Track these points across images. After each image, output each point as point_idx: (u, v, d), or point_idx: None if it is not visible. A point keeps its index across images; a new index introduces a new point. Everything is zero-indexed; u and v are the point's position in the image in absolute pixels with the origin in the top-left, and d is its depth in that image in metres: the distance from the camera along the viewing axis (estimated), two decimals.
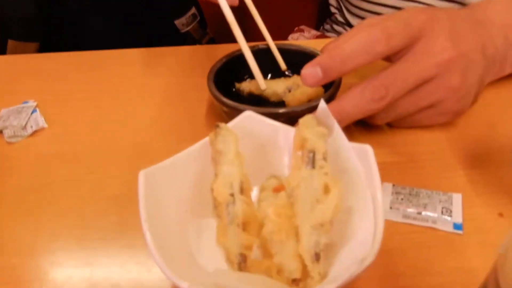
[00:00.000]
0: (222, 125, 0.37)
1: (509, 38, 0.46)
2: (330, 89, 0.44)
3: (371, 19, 0.44)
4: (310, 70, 0.40)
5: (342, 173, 0.35)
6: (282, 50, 0.51)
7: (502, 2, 0.47)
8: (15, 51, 0.96)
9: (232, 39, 0.48)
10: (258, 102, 0.49)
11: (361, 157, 0.34)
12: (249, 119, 0.39)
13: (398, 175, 0.42)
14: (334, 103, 0.41)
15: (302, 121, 0.36)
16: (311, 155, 0.34)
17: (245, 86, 0.50)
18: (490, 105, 0.48)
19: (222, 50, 0.53)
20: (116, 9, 0.95)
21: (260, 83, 0.47)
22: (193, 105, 0.53)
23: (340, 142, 0.35)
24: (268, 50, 0.50)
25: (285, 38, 1.02)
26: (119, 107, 0.54)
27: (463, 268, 0.34)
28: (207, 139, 0.38)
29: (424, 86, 0.42)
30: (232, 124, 0.38)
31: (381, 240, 0.28)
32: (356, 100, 0.41)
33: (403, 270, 0.34)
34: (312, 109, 0.42)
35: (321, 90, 0.47)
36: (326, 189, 0.32)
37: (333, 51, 0.40)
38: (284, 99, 0.48)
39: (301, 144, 0.35)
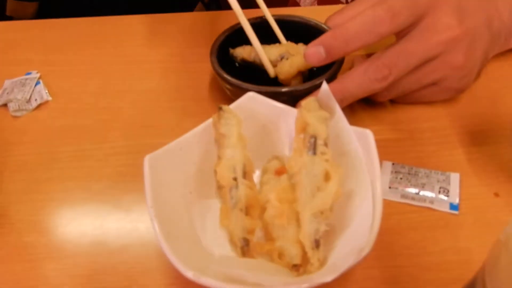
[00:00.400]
0: (225, 107, 0.37)
1: None
2: (331, 69, 0.43)
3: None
4: (314, 49, 0.40)
5: (343, 156, 0.35)
6: (285, 22, 0.50)
7: None
8: (15, 13, 0.94)
9: None
10: (251, 68, 0.48)
11: (361, 141, 0.35)
12: (252, 100, 0.39)
13: (398, 153, 0.43)
14: (336, 83, 0.41)
15: (304, 103, 0.37)
16: (312, 140, 0.34)
17: (239, 52, 0.49)
18: (493, 81, 0.48)
19: (225, 18, 0.53)
20: None
21: (269, 71, 0.46)
22: (197, 77, 0.52)
23: (342, 124, 0.36)
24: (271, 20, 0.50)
25: None
26: (122, 79, 0.54)
27: (458, 248, 0.36)
28: (210, 120, 0.38)
29: (428, 64, 0.41)
30: (235, 105, 0.39)
31: (378, 229, 0.29)
32: (359, 79, 0.41)
33: (400, 250, 0.36)
34: (315, 88, 0.42)
35: None
36: (327, 176, 0.32)
37: (337, 30, 0.40)
38: (276, 69, 0.47)
39: (303, 127, 0.36)
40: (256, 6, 0.51)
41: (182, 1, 1.02)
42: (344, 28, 0.39)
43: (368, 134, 0.34)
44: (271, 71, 0.46)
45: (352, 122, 0.44)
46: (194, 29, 0.60)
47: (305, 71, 0.46)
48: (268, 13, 0.49)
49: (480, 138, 0.44)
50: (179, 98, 0.51)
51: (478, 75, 0.46)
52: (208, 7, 1.10)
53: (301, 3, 1.00)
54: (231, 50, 0.49)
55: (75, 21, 0.63)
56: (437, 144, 0.43)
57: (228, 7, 0.48)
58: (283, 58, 0.46)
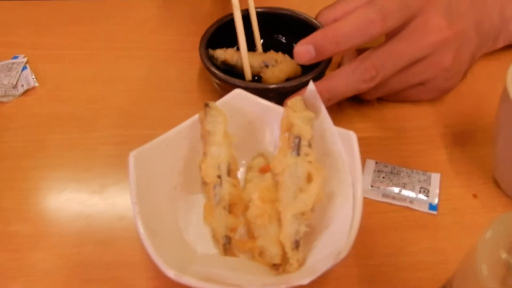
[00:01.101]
0: (211, 104, 0.38)
1: (505, 12, 0.46)
2: (319, 67, 0.44)
3: None
4: (304, 48, 0.40)
5: (326, 156, 0.36)
6: (274, 15, 0.50)
7: None
8: None
9: None
10: (231, 72, 0.48)
11: (345, 142, 0.35)
12: (239, 97, 0.39)
13: (382, 151, 0.43)
14: (324, 81, 0.42)
15: (290, 103, 0.37)
16: (296, 140, 0.35)
17: (219, 54, 0.48)
18: (479, 82, 0.48)
19: (218, 4, 0.52)
20: None
21: (247, 74, 0.46)
22: (187, 67, 0.52)
23: (326, 125, 0.36)
24: (259, 14, 0.49)
25: None
26: (111, 66, 0.54)
27: (435, 248, 0.37)
28: (197, 116, 0.38)
29: (416, 65, 0.42)
30: (221, 101, 0.39)
31: (356, 232, 0.30)
32: (347, 79, 0.41)
33: (378, 249, 0.37)
34: (302, 85, 0.42)
35: (299, 69, 0.46)
36: (309, 178, 0.33)
37: (328, 30, 0.40)
38: (261, 74, 0.47)
39: (288, 127, 0.36)
40: None
41: None
42: (335, 28, 0.39)
43: (351, 136, 0.35)
44: (248, 74, 0.46)
45: (338, 119, 0.45)
46: (187, 16, 0.59)
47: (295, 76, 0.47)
48: (253, 9, 0.49)
49: (463, 138, 0.44)
50: (169, 88, 0.51)
51: (464, 75, 0.46)
52: None
53: None
54: (211, 51, 0.48)
55: (66, 3, 0.62)
56: (421, 144, 0.44)
57: None
58: (268, 65, 0.46)
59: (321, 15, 0.47)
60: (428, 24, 0.40)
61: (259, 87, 0.43)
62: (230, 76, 0.44)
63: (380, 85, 0.42)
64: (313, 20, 0.48)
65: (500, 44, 0.48)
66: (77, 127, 0.47)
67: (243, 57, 0.46)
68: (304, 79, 0.43)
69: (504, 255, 0.20)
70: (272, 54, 0.48)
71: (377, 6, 0.39)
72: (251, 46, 0.48)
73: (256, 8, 0.49)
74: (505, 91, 0.35)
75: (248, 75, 0.46)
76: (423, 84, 0.44)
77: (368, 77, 0.40)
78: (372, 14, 0.38)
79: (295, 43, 0.50)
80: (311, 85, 0.38)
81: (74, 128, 0.47)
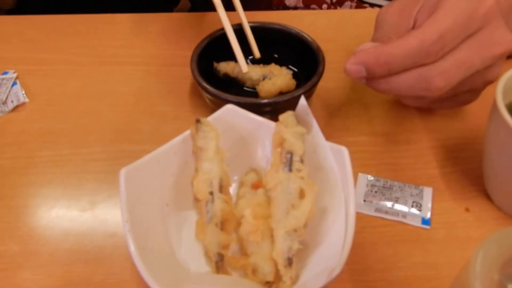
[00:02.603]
0: (203, 120, 0.38)
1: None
2: (310, 81, 0.44)
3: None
4: (356, 67, 0.38)
5: (318, 171, 0.36)
6: (266, 29, 0.50)
7: None
8: None
9: None
10: (233, 83, 0.49)
11: (337, 157, 0.35)
12: (231, 113, 0.39)
13: (375, 165, 0.43)
14: (385, 81, 0.38)
15: (282, 118, 0.37)
16: (288, 156, 0.35)
17: (222, 66, 0.49)
18: None
19: (208, 20, 0.52)
20: None
21: (242, 66, 0.47)
22: (178, 82, 0.52)
23: (318, 140, 0.36)
24: (253, 28, 0.50)
25: None
26: (101, 81, 0.53)
27: (428, 263, 0.37)
28: (188, 132, 0.38)
29: (477, 74, 0.39)
30: (213, 117, 0.39)
31: (349, 250, 0.30)
32: (410, 82, 0.38)
33: (371, 264, 0.37)
34: (294, 100, 0.42)
35: (293, 83, 0.47)
36: (302, 194, 0.33)
37: (382, 55, 0.37)
38: (256, 87, 0.47)
39: (280, 142, 0.36)
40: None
41: None
42: (390, 55, 0.37)
43: (343, 151, 0.35)
44: (244, 65, 0.46)
45: (331, 133, 0.45)
46: (177, 31, 0.59)
47: (289, 90, 0.47)
48: (246, 23, 0.49)
49: (455, 152, 0.44)
50: (159, 103, 0.51)
51: None
52: (192, 1, 1.09)
53: (286, 1, 1.00)
54: (215, 64, 0.50)
55: (55, 18, 0.62)
56: (413, 157, 0.44)
57: (213, 7, 0.48)
58: (266, 77, 0.47)
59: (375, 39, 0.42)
60: (494, 35, 0.38)
61: (250, 101, 0.43)
62: (222, 90, 0.44)
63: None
64: (304, 34, 0.48)
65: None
66: (67, 143, 0.47)
67: (234, 49, 0.46)
68: (295, 93, 0.43)
69: (496, 276, 0.20)
70: (271, 67, 0.48)
71: (437, 31, 0.36)
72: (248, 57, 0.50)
73: (249, 22, 0.50)
74: (494, 105, 0.35)
75: (243, 66, 0.46)
76: (471, 92, 0.42)
77: (434, 87, 0.37)
78: (431, 43, 0.36)
79: (287, 56, 0.51)
80: (303, 100, 0.38)
81: (64, 144, 0.47)
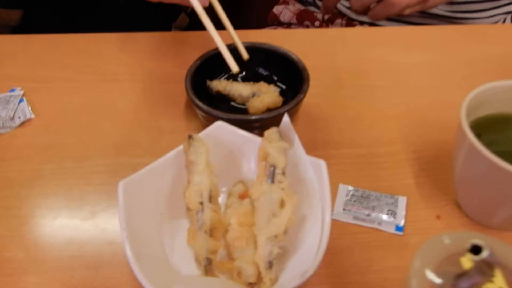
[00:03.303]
0: (195, 136, 0.41)
1: None
2: (294, 99, 0.47)
3: None
4: None
5: (299, 182, 0.40)
6: (257, 49, 0.54)
7: None
8: None
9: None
10: (225, 100, 0.53)
11: (316, 170, 0.39)
12: (220, 129, 0.43)
13: (354, 176, 0.47)
14: None
15: (266, 134, 0.41)
16: (271, 169, 0.38)
17: (215, 84, 0.53)
18: (445, 112, 0.52)
19: (203, 38, 0.56)
20: None
21: (232, 66, 0.49)
22: (174, 98, 0.56)
23: (300, 154, 0.40)
24: (245, 49, 0.53)
25: (271, 8, 1.04)
26: (103, 97, 0.57)
27: (400, 266, 0.40)
28: (181, 147, 0.42)
29: None
30: (204, 133, 0.42)
31: (323, 255, 0.33)
32: None
33: (348, 268, 0.40)
34: (279, 116, 0.46)
35: (279, 100, 0.50)
36: (282, 203, 0.36)
37: None
38: (245, 103, 0.51)
39: (264, 156, 0.40)
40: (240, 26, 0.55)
41: (166, 11, 1.05)
42: None
43: (321, 165, 0.38)
44: (233, 65, 0.49)
45: (315, 146, 0.48)
46: (174, 49, 0.63)
47: (276, 107, 0.50)
48: (238, 41, 0.52)
49: (429, 164, 0.48)
50: (156, 118, 0.54)
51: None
52: (190, 17, 1.13)
53: (280, 17, 1.03)
54: (208, 82, 0.53)
55: (58, 37, 0.66)
56: (390, 168, 0.48)
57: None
58: (255, 95, 0.50)
59: None
60: None
61: (239, 118, 0.46)
62: (214, 107, 0.47)
63: None
64: (291, 54, 0.52)
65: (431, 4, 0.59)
66: (70, 156, 0.50)
67: (222, 50, 0.49)
68: (281, 110, 0.46)
69: (429, 275, 0.24)
70: (260, 85, 0.52)
71: None
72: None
73: (242, 43, 0.53)
74: (459, 123, 0.38)
75: (233, 66, 0.49)
76: None
77: None
78: None
79: (275, 74, 0.54)
80: (286, 118, 0.41)
81: (67, 158, 0.50)
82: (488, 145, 0.36)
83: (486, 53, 0.60)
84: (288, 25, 1.03)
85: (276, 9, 1.03)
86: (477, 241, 0.24)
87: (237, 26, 0.54)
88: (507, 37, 0.64)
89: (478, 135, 0.37)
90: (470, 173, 0.40)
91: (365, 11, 0.61)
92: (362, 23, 0.90)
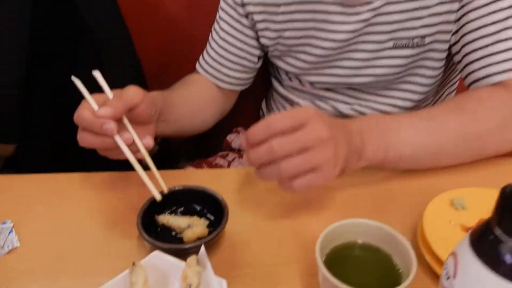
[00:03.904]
0: (137, 263, 0.58)
1: (363, 139, 0.69)
2: (214, 232, 0.65)
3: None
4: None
5: None
6: (192, 190, 0.72)
7: (358, 118, 0.72)
8: None
9: None
10: (168, 230, 0.70)
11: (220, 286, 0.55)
12: (157, 257, 0.60)
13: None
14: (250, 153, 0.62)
15: (188, 260, 0.57)
16: (188, 287, 0.54)
17: (161, 218, 0.70)
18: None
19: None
20: None
21: (155, 195, 0.67)
22: (129, 228, 0.72)
23: (210, 275, 0.56)
24: (182, 189, 0.72)
25: (225, 136, 1.25)
26: (77, 231, 0.73)
27: None
28: (127, 271, 0.58)
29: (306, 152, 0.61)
30: (144, 261, 0.59)
31: None
32: (261, 152, 0.61)
33: None
34: (202, 244, 0.62)
35: (206, 231, 0.68)
36: None
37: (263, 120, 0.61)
38: (183, 234, 0.68)
39: (184, 277, 0.56)
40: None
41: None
42: (267, 119, 0.61)
43: (222, 282, 0.55)
44: (156, 194, 0.67)
45: (233, 264, 0.64)
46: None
47: (203, 236, 0.67)
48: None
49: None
50: (116, 245, 0.70)
51: (342, 172, 0.66)
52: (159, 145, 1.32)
53: (232, 144, 1.24)
54: (156, 216, 0.70)
55: (44, 177, 0.84)
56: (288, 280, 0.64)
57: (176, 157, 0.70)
58: (190, 226, 0.68)
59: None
60: (314, 126, 0.61)
61: (175, 247, 0.63)
62: (157, 238, 0.64)
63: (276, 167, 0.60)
64: (217, 195, 0.70)
65: (362, 164, 0.69)
66: (46, 280, 0.65)
67: (142, 177, 0.68)
68: (204, 240, 0.63)
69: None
70: (193, 218, 0.70)
71: (290, 111, 0.61)
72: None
73: (179, 185, 0.72)
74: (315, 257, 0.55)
75: (156, 195, 0.67)
76: (313, 171, 0.62)
77: (275, 151, 0.60)
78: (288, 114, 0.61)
79: (206, 209, 0.72)
80: (202, 248, 0.58)
81: (43, 281, 0.65)
82: (339, 267, 0.52)
83: None
84: (239, 151, 1.24)
85: (229, 137, 1.25)
86: None
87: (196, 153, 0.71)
88: None
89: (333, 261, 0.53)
90: None
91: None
92: None
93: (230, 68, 1.01)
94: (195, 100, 1.00)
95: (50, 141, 1.20)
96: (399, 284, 0.51)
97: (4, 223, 0.74)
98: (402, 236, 0.56)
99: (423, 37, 0.86)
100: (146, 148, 0.71)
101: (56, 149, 1.15)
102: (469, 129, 0.73)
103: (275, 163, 0.61)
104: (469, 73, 0.81)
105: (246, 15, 0.96)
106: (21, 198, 0.80)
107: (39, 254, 0.70)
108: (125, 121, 0.70)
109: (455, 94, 1.09)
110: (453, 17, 0.83)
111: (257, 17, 0.95)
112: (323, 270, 0.53)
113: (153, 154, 1.27)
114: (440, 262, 0.59)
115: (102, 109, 0.66)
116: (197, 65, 1.05)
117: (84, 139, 0.68)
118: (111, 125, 0.65)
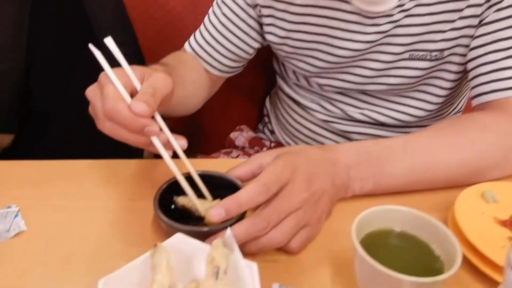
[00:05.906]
0: (159, 244, 0.54)
1: (349, 174, 0.67)
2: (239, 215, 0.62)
3: (259, 158, 0.66)
4: (217, 211, 0.59)
5: (238, 280, 0.53)
6: (208, 176, 0.69)
7: (347, 146, 0.70)
8: None
9: None
10: (187, 213, 0.66)
11: (250, 270, 0.52)
12: (179, 239, 0.56)
13: (283, 273, 0.60)
14: (234, 229, 0.58)
15: (214, 243, 0.54)
16: (216, 269, 0.51)
17: (180, 200, 0.67)
18: None
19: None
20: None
21: (200, 210, 0.64)
22: (143, 214, 0.69)
23: (238, 258, 0.53)
24: (199, 175, 0.69)
25: (228, 134, 1.22)
26: (86, 215, 0.70)
27: None
28: (148, 253, 0.55)
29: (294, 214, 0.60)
30: (166, 243, 0.56)
31: None
32: (248, 229, 0.59)
33: None
34: (225, 228, 0.60)
35: None
36: None
37: (233, 198, 0.59)
38: (204, 216, 0.65)
39: (211, 260, 0.53)
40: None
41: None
42: (237, 197, 0.59)
43: (253, 266, 0.52)
44: (202, 211, 0.64)
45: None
46: (143, 174, 0.78)
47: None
48: (193, 172, 0.68)
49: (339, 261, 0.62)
50: (128, 231, 0.67)
51: (329, 213, 0.66)
52: None
53: (235, 142, 1.22)
54: (175, 197, 0.67)
55: (48, 163, 0.81)
56: (307, 265, 0.61)
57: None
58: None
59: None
60: (294, 189, 0.60)
61: (195, 230, 0.60)
62: (177, 220, 0.61)
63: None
64: (236, 181, 0.68)
65: (349, 194, 0.68)
66: (55, 268, 0.61)
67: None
68: (226, 224, 0.60)
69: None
70: (215, 202, 0.67)
71: (262, 183, 0.59)
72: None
73: (199, 170, 0.69)
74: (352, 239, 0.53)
75: (201, 211, 0.64)
76: (304, 227, 0.62)
77: (261, 227, 0.58)
78: (260, 188, 0.58)
79: (226, 194, 0.69)
80: (229, 230, 0.55)
81: (52, 269, 0.61)
82: (374, 254, 0.50)
83: None
84: (242, 148, 1.21)
85: (233, 135, 1.22)
86: None
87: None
88: None
89: (367, 247, 0.51)
90: (364, 277, 0.54)
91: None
92: None
93: (222, 54, 0.96)
94: (190, 84, 0.94)
95: (49, 132, 1.16)
96: (440, 272, 0.49)
97: (9, 207, 0.71)
98: (442, 224, 0.54)
99: (441, 50, 0.85)
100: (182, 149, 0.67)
101: (57, 139, 1.12)
102: (468, 160, 0.70)
103: (265, 235, 0.60)
104: (476, 86, 0.80)
105: (254, 6, 0.93)
106: (27, 183, 0.76)
107: (48, 238, 0.66)
108: (159, 118, 0.64)
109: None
110: (472, 32, 0.81)
111: (264, 11, 0.92)
112: (362, 253, 0.50)
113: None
114: (475, 252, 0.57)
115: (139, 105, 0.59)
116: (186, 44, 0.99)
117: (114, 132, 0.61)
118: (155, 128, 0.61)
